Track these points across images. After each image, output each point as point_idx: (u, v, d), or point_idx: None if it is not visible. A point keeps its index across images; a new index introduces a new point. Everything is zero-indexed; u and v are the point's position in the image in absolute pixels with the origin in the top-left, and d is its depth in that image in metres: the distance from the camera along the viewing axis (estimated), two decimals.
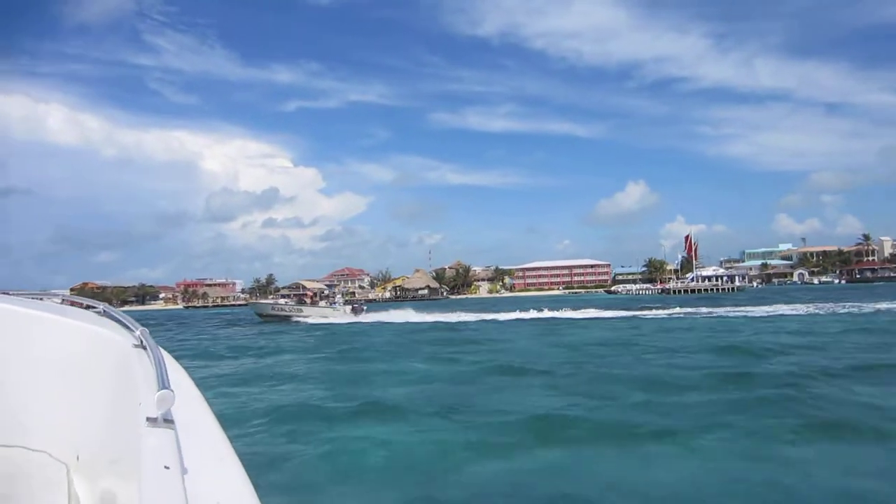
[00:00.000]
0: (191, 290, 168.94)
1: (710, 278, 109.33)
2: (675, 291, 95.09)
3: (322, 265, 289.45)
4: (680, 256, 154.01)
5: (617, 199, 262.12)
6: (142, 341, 2.25)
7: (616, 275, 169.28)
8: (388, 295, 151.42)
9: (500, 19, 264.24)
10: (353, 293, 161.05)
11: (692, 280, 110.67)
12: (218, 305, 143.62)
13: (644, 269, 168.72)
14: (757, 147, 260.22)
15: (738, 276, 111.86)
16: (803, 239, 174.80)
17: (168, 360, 2.19)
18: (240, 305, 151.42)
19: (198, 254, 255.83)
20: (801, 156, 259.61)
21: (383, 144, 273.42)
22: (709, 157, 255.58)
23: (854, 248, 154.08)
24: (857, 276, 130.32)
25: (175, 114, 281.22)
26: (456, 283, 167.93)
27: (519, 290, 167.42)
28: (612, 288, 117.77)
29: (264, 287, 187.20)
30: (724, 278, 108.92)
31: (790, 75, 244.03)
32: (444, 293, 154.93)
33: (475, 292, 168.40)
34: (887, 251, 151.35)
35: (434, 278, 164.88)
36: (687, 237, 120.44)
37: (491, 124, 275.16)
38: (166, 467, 1.20)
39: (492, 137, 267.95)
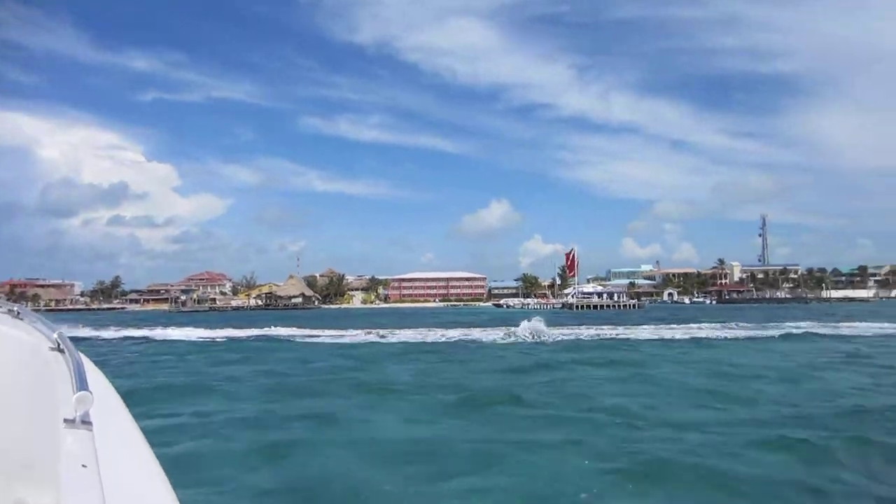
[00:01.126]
0: (18, 290, 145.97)
1: (599, 294, 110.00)
2: (577, 307, 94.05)
3: (175, 268, 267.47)
4: (557, 271, 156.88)
5: (481, 216, 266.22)
6: (59, 344, 2.14)
7: (491, 288, 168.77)
8: (257, 302, 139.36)
9: (376, 29, 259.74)
10: (214, 299, 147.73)
11: (572, 296, 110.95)
12: (52, 310, 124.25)
13: (517, 282, 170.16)
14: (610, 175, 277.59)
15: (616, 293, 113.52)
16: (657, 262, 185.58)
17: (86, 362, 2.12)
18: (78, 310, 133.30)
19: (29, 251, 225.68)
20: (648, 186, 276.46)
21: (248, 145, 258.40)
22: (567, 181, 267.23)
23: (710, 271, 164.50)
24: (726, 297, 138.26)
25: (12, 93, 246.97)
26: (329, 291, 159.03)
27: (395, 301, 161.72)
28: (501, 302, 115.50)
29: (109, 290, 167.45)
30: (617, 295, 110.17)
31: (642, 111, 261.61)
32: (316, 302, 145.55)
33: (349, 302, 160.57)
34: (737, 275, 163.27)
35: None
36: (568, 254, 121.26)
37: (362, 133, 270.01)
38: (84, 466, 1.20)
39: (362, 147, 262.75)
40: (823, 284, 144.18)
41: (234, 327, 40.09)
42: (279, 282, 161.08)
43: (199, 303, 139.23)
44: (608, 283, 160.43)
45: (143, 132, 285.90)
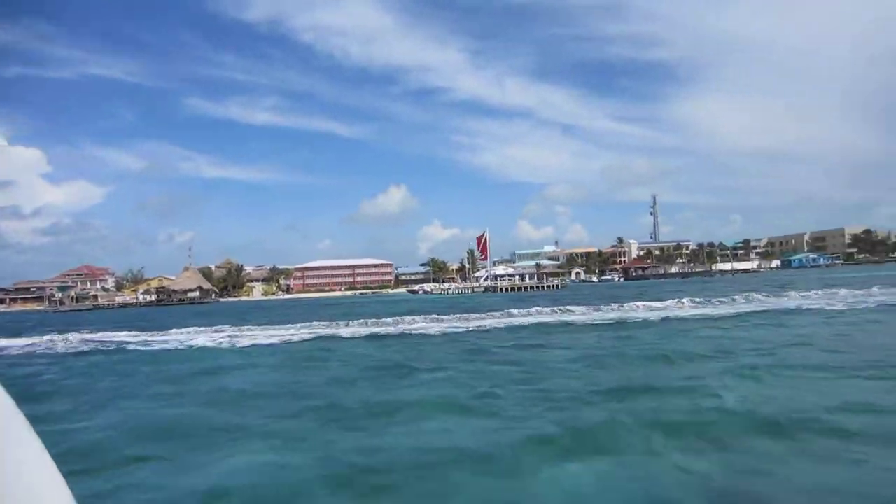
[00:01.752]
0: None
1: (511, 276, 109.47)
2: (505, 289, 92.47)
3: (47, 263, 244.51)
4: (465, 255, 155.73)
5: (379, 202, 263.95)
6: None
7: (399, 274, 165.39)
8: (147, 298, 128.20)
9: (267, 5, 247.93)
10: (96, 296, 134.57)
11: (485, 279, 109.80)
12: None
13: (424, 268, 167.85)
14: (505, 158, 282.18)
15: (528, 275, 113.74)
16: (556, 242, 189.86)
17: None
18: None
19: None
20: (541, 169, 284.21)
21: (128, 128, 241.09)
22: (464, 165, 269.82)
23: (610, 249, 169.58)
24: (632, 274, 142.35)
25: None
26: (227, 284, 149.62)
27: (298, 292, 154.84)
28: (416, 288, 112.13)
29: None
30: (538, 276, 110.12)
31: (533, 95, 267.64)
32: (214, 296, 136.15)
33: (249, 294, 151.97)
34: (634, 253, 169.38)
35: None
36: (480, 237, 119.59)
37: (254, 116, 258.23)
38: None
39: (255, 130, 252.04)
40: (717, 258, 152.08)
41: (140, 329, 34.00)
42: (170, 275, 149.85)
43: (78, 301, 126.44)
44: (516, 265, 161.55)
45: (4, 112, 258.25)
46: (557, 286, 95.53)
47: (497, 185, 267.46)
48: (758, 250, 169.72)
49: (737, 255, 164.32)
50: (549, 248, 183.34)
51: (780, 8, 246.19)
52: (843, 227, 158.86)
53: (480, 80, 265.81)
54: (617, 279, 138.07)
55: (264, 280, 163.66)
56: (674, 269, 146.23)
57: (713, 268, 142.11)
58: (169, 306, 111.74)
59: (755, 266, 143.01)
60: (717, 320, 23.01)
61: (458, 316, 31.13)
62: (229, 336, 26.13)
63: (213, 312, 64.42)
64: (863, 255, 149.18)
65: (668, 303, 32.70)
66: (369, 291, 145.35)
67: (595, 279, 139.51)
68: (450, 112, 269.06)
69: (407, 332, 24.39)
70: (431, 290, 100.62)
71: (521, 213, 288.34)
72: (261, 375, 15.15)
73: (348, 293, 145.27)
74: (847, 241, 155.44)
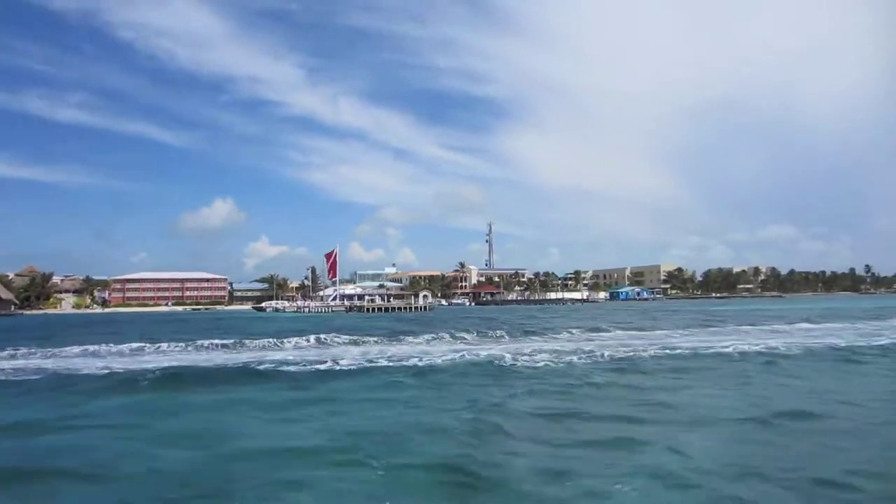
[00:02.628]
0: None
1: (360, 297, 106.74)
2: (369, 310, 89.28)
3: None
4: (306, 273, 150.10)
5: (203, 214, 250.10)
6: None
7: (235, 290, 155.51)
8: None
9: None
10: None
11: (333, 298, 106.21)
12: None
13: (261, 284, 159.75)
14: (338, 178, 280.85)
15: (377, 296, 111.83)
16: (394, 264, 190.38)
17: None
18: None
19: None
20: (373, 191, 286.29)
21: None
22: (295, 182, 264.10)
23: (452, 273, 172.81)
24: (482, 299, 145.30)
25: None
26: (29, 294, 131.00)
27: (116, 305, 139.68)
28: (263, 305, 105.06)
29: None
30: (398, 297, 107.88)
31: (368, 118, 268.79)
32: (13, 307, 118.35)
33: (57, 306, 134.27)
34: (474, 278, 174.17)
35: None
36: (329, 254, 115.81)
37: (58, 112, 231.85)
38: None
39: (60, 128, 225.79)
40: (552, 286, 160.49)
41: None
42: None
43: None
44: (356, 285, 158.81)
45: None
46: (425, 308, 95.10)
47: (329, 204, 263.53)
48: (585, 282, 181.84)
49: (566, 285, 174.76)
50: (389, 270, 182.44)
51: (596, 57, 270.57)
52: (659, 264, 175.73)
53: (316, 98, 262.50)
54: (467, 304, 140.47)
55: (76, 291, 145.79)
56: (511, 297, 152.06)
57: (547, 296, 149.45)
58: None
59: (586, 296, 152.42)
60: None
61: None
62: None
63: (21, 327, 55.11)
64: (675, 290, 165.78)
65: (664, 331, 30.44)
66: (201, 307, 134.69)
67: (445, 303, 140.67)
68: (282, 127, 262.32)
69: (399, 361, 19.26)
70: (283, 307, 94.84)
71: (353, 233, 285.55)
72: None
73: (178, 308, 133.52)
74: (662, 276, 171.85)
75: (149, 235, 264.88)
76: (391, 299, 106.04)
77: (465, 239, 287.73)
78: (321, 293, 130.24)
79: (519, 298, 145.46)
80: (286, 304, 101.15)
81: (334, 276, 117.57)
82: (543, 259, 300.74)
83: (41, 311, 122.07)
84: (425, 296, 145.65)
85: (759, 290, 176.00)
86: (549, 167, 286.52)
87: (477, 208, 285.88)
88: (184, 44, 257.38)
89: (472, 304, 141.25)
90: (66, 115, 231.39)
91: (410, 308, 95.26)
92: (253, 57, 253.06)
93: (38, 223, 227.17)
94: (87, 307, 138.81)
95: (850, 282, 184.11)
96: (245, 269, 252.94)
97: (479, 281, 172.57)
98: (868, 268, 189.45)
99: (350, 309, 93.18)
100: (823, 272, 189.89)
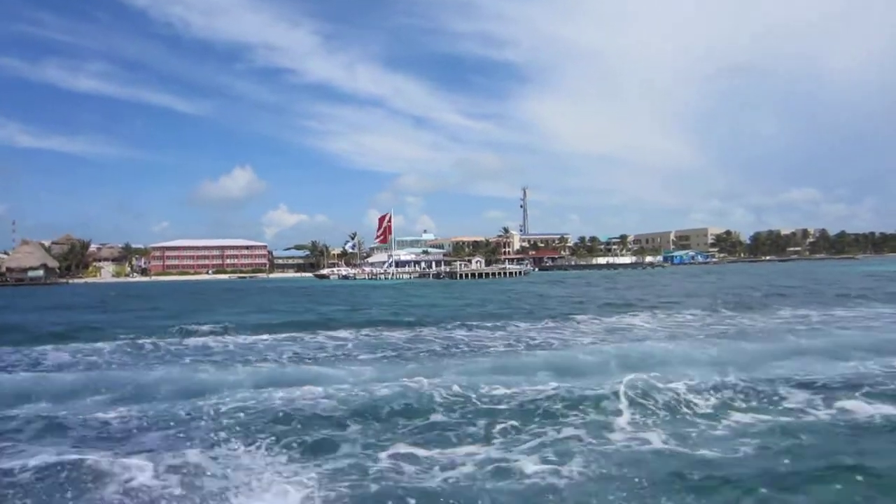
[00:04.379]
0: None
1: (417, 263, 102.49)
2: (460, 276, 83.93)
3: None
4: (350, 241, 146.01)
5: (223, 183, 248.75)
6: None
7: (276, 258, 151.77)
8: None
9: None
10: None
11: (389, 265, 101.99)
12: None
13: (302, 252, 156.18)
14: (357, 146, 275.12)
15: (434, 261, 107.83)
16: (425, 230, 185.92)
17: None
18: None
19: None
20: (392, 159, 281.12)
21: None
22: (313, 150, 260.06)
23: (496, 239, 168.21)
24: (546, 264, 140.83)
25: None
26: (69, 262, 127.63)
27: (157, 274, 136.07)
28: (325, 272, 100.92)
29: None
30: (476, 262, 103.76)
31: (386, 85, 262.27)
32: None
33: (96, 275, 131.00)
34: (517, 244, 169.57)
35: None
36: (382, 218, 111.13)
37: (78, 82, 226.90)
38: None
39: (79, 98, 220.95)
40: (596, 251, 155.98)
41: None
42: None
43: None
44: (395, 251, 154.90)
45: None
46: (521, 273, 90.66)
47: (347, 172, 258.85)
48: (629, 246, 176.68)
49: (609, 249, 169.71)
50: (428, 237, 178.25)
51: (615, 20, 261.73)
52: (706, 227, 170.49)
53: (332, 65, 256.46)
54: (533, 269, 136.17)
55: (114, 260, 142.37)
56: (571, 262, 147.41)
57: (594, 261, 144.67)
58: (7, 286, 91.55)
59: (645, 260, 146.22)
60: None
61: None
62: None
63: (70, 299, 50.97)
64: (723, 255, 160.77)
65: None
66: (246, 275, 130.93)
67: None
68: (299, 95, 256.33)
69: None
70: (354, 274, 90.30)
71: (371, 201, 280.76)
72: None
73: (221, 276, 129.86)
74: (710, 240, 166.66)
75: (171, 204, 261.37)
76: (507, 263, 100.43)
77: (482, 206, 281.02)
78: (369, 259, 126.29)
79: (581, 263, 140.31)
80: (354, 270, 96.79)
81: (385, 240, 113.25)
82: (565, 225, 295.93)
83: (82, 281, 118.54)
84: (479, 261, 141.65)
85: (807, 252, 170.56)
86: (570, 132, 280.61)
87: (497, 175, 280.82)
88: (198, 11, 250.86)
89: (536, 269, 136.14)
90: (84, 85, 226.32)
91: (505, 274, 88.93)
92: (268, 24, 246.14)
93: (63, 193, 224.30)
94: (127, 275, 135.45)
95: None
96: (265, 237, 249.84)
97: (521, 246, 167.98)
98: None
99: (423, 276, 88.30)
100: (873, 233, 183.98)
